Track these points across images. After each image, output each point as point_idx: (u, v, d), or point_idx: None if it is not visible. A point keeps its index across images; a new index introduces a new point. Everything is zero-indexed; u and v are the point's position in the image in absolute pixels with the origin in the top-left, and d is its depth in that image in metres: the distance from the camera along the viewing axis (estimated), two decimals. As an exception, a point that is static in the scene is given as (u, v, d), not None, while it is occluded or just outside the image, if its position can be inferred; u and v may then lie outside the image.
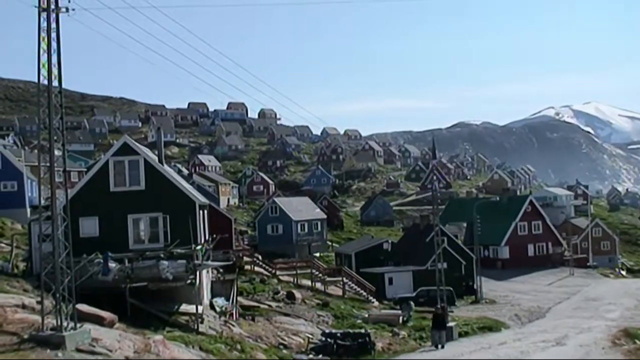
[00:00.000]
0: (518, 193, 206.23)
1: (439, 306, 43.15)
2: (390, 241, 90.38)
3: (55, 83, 23.63)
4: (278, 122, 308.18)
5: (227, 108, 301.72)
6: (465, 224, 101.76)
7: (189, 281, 35.23)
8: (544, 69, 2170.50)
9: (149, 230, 39.79)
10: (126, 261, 35.94)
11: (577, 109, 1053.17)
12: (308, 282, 67.93)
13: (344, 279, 67.45)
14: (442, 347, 39.07)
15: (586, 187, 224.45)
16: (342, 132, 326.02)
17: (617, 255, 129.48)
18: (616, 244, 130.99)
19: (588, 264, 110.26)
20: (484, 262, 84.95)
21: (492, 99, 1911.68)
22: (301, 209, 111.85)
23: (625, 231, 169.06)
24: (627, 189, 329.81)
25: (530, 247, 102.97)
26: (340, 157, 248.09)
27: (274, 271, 70.53)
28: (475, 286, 74.49)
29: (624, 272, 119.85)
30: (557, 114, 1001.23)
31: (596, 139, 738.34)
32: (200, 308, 36.03)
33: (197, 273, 35.87)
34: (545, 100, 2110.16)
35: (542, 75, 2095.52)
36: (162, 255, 36.07)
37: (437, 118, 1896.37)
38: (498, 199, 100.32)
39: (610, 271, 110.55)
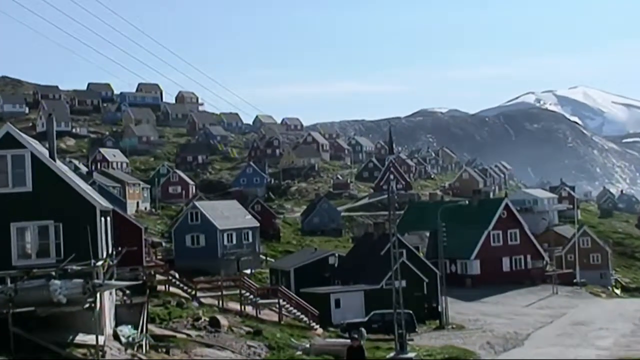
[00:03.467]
0: (491, 196, 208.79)
1: (355, 336, 42.33)
2: (337, 254, 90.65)
3: None
4: (200, 108, 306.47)
5: (137, 90, 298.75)
6: (427, 234, 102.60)
7: (87, 305, 34.77)
8: (522, 48, 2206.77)
9: (37, 242, 39.18)
10: (8, 280, 35.32)
11: (562, 95, 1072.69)
12: (236, 306, 67.66)
13: (281, 301, 67.37)
14: None
15: (572, 188, 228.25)
16: (279, 121, 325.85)
17: (609, 270, 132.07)
18: (608, 256, 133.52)
19: (575, 280, 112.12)
20: (450, 280, 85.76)
21: (461, 83, 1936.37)
22: (228, 215, 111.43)
23: (620, 241, 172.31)
24: (621, 191, 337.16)
25: (506, 261, 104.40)
26: (277, 151, 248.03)
27: (194, 292, 70.11)
28: (440, 308, 75.18)
29: (617, 291, 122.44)
30: (538, 100, 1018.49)
31: (584, 131, 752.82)
32: (101, 338, 35.60)
33: (98, 295, 35.45)
34: (524, 84, 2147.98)
35: (520, 55, 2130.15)
36: (53, 274, 35.53)
37: (395, 105, 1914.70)
38: (467, 202, 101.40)
39: (602, 289, 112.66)
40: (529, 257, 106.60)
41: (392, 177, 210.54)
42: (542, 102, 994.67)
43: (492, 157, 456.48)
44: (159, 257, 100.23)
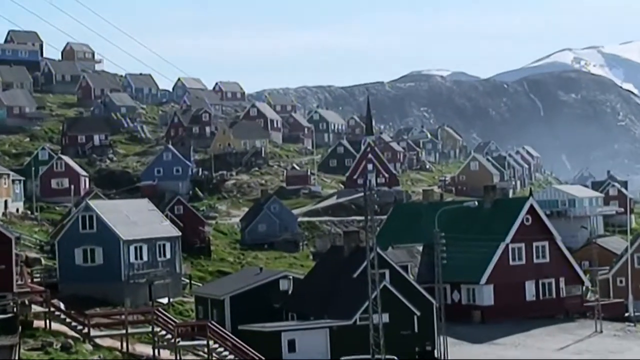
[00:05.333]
0: (511, 194, 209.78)
1: None
2: (291, 277, 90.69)
3: None
4: (97, 67, 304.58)
5: (6, 41, 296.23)
6: (420, 248, 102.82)
7: None
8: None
9: None
10: None
11: (610, 53, 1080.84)
12: (147, 349, 67.52)
13: (211, 342, 67.35)
14: None
15: (624, 184, 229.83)
16: (210, 87, 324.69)
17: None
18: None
19: (627, 314, 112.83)
20: (452, 312, 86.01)
21: (469, 35, 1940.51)
22: (136, 220, 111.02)
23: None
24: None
25: (530, 287, 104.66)
26: (207, 129, 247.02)
27: (86, 330, 69.87)
28: (436, 353, 75.47)
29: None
30: (578, 60, 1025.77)
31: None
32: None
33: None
34: (558, 38, 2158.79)
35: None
36: None
37: (376, 65, 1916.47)
38: (477, 203, 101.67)
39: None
40: (562, 280, 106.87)
41: (370, 167, 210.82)
42: (582, 63, 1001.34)
43: (511, 140, 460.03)
44: (36, 279, 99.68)
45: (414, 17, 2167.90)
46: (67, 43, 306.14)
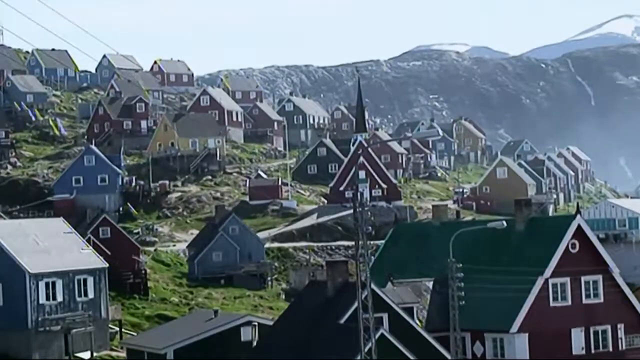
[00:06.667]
0: (551, 212, 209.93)
1: None
2: (256, 324, 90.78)
3: None
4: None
5: None
6: (430, 283, 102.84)
7: None
8: None
9: None
10: None
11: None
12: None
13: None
14: None
15: None
16: (146, 68, 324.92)
17: None
18: None
19: None
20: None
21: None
22: (48, 246, 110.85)
23: None
24: None
25: (578, 336, 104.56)
26: (144, 124, 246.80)
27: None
28: None
29: None
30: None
31: None
32: None
33: None
34: (613, 2, 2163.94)
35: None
36: None
37: (370, 37, 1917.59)
38: (505, 224, 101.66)
39: None
40: (620, 328, 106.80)
41: (362, 175, 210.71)
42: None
43: (552, 138, 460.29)
44: None
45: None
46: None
